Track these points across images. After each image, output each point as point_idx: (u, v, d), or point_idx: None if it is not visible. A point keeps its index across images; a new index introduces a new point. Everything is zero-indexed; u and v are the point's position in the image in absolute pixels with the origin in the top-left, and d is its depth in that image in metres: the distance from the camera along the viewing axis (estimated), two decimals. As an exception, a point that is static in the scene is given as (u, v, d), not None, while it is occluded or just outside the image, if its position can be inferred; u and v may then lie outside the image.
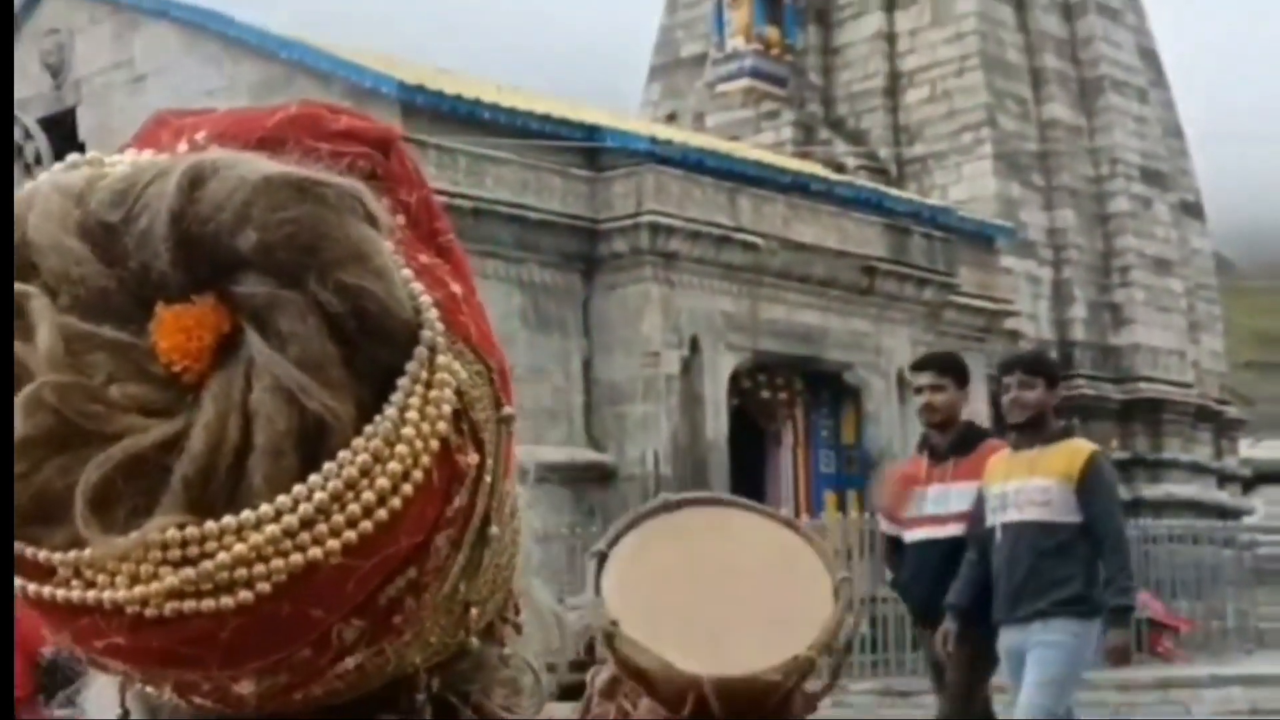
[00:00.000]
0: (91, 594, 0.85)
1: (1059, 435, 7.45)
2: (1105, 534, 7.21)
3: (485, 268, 18.92)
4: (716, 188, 20.70)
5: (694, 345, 20.04)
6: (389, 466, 0.86)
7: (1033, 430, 7.28)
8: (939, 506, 7.64)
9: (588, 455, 19.50)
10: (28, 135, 20.28)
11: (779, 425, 22.19)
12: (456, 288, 0.95)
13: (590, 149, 20.35)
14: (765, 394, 21.92)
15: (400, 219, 0.95)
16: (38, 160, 20.06)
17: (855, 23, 31.33)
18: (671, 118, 30.18)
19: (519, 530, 1.00)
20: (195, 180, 0.86)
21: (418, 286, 0.90)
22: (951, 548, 7.54)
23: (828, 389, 22.36)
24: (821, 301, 21.86)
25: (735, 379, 20.75)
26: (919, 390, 7.77)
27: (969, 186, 29.21)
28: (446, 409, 0.88)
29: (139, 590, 0.84)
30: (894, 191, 25.33)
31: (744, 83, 30.38)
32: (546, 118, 20.06)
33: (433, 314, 0.90)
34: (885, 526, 8.14)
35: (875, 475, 22.18)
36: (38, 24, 21.90)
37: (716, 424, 20.12)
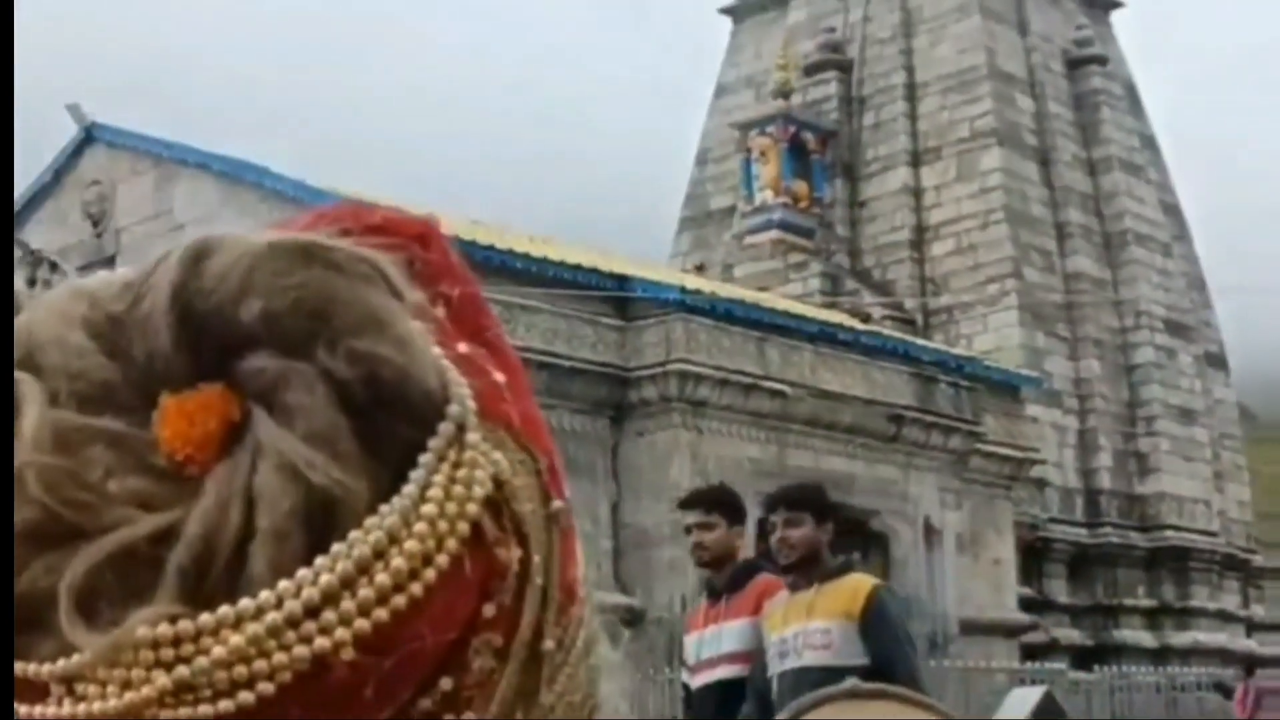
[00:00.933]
0: (82, 708, 0.76)
1: (837, 572, 6.77)
2: (895, 675, 6.50)
3: (516, 414, 19.20)
4: (745, 336, 20.98)
5: (722, 491, 20.25)
6: (407, 546, 0.77)
7: (806, 570, 6.69)
8: (714, 648, 7.17)
9: (615, 599, 19.65)
10: (68, 282, 20.71)
11: (806, 571, 22.33)
12: (500, 376, 0.86)
13: (620, 298, 20.66)
14: (793, 540, 22.07)
15: (441, 311, 0.88)
16: (78, 307, 20.44)
17: (882, 177, 31.83)
18: (700, 268, 30.59)
19: (597, 670, 0.87)
20: (199, 255, 0.80)
21: (448, 365, 0.83)
22: (724, 691, 7.10)
23: (854, 535, 22.49)
24: (848, 449, 22.06)
25: (762, 524, 20.91)
26: (688, 530, 7.07)
27: (995, 337, 29.53)
28: (478, 491, 0.79)
29: (129, 697, 0.75)
30: (920, 341, 25.62)
31: (772, 235, 30.81)
32: (578, 267, 20.39)
33: (465, 392, 0.82)
34: (684, 676, 7.47)
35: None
36: (80, 174, 22.39)
37: (744, 569, 20.25)
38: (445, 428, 0.79)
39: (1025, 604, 26.21)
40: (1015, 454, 25.85)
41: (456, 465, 0.79)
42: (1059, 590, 28.30)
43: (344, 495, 0.76)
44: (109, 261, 21.80)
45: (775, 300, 24.30)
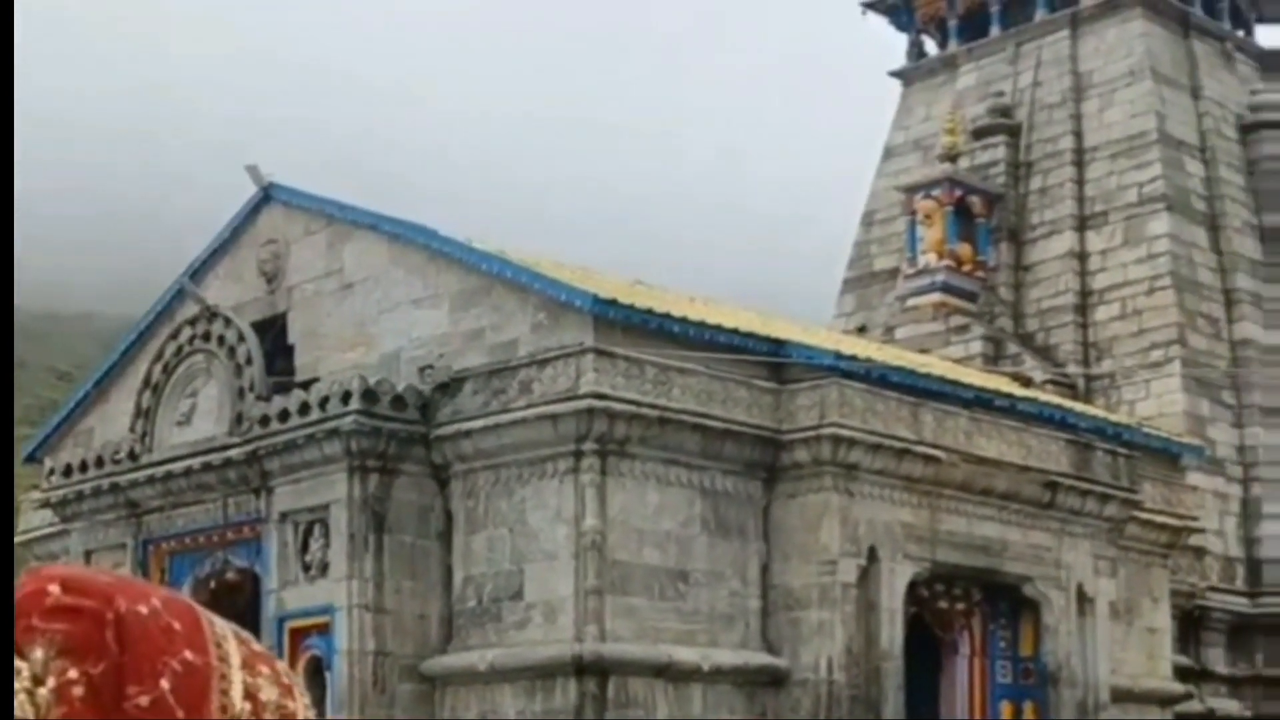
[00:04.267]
0: None
1: None
2: None
3: (669, 474, 19.57)
4: (899, 401, 21.15)
5: (872, 554, 20.44)
6: None
7: None
8: None
9: (762, 659, 19.94)
10: (240, 338, 21.36)
11: (956, 635, 22.48)
12: None
13: (776, 362, 20.93)
14: (943, 604, 22.24)
15: (79, 690, 1.08)
16: (248, 361, 21.10)
17: (1047, 241, 31.88)
18: (862, 329, 30.84)
19: None
20: None
21: None
22: None
23: (1006, 600, 22.61)
24: (1002, 515, 22.16)
25: (913, 588, 21.11)
26: None
27: (1157, 403, 29.45)
28: None
29: None
30: (1078, 407, 25.65)
31: (935, 297, 30.97)
32: (734, 331, 20.67)
33: None
34: None
35: (1053, 688, 22.36)
36: (257, 233, 23.08)
37: (892, 632, 20.46)
38: None
39: (1182, 673, 26.11)
40: (1174, 522, 25.77)
41: None
42: (1217, 660, 28.14)
43: None
44: (281, 318, 22.53)
45: (931, 365, 24.46)
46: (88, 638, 1.11)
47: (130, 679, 1.10)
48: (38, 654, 1.09)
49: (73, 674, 1.09)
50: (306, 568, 20.04)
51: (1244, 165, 33.07)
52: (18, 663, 1.09)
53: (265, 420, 20.32)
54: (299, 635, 20.01)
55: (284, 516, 20.25)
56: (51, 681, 1.09)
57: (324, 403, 19.74)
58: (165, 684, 1.09)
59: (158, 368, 22.15)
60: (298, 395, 20.15)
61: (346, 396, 19.57)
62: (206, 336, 21.77)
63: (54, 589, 1.14)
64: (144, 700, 1.08)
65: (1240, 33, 35.61)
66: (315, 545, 19.93)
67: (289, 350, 22.27)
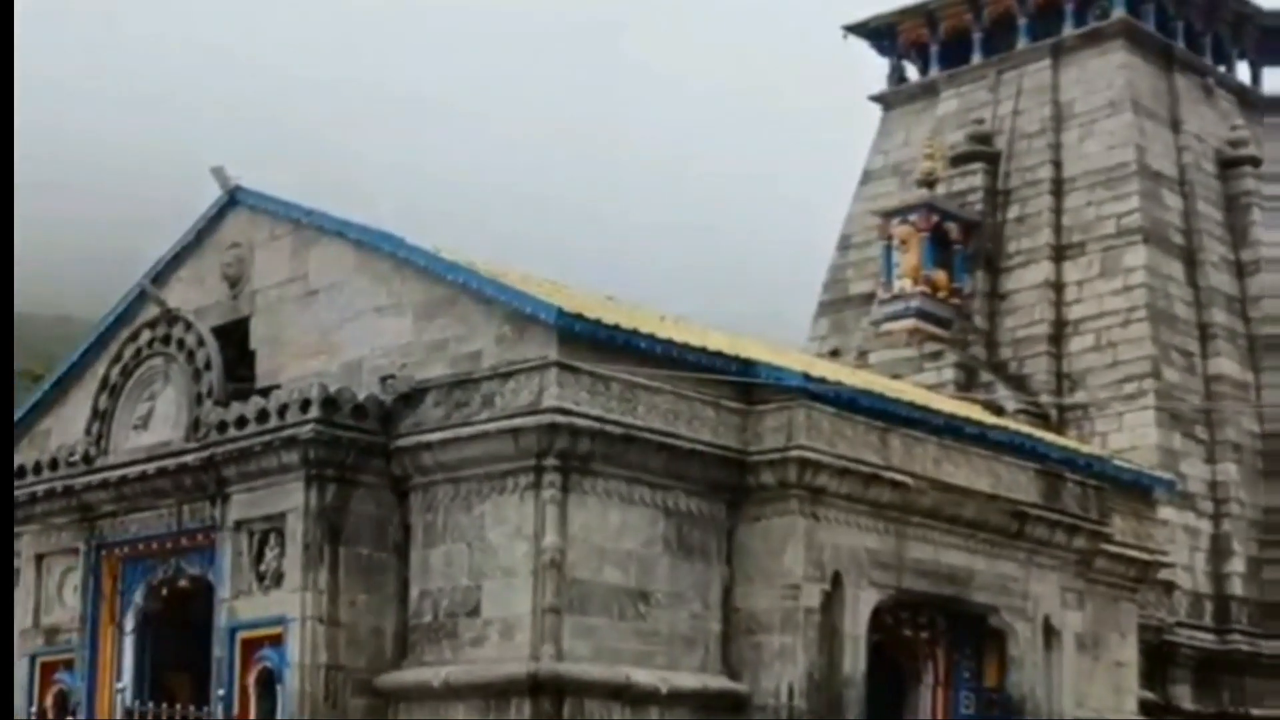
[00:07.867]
0: None
1: None
2: None
3: (632, 493, 19.22)
4: (868, 426, 20.84)
5: (836, 580, 20.12)
6: None
7: None
8: None
9: (722, 683, 19.58)
10: (200, 342, 20.99)
11: (920, 664, 22.16)
12: None
13: (744, 382, 20.62)
14: (907, 632, 21.93)
15: None
16: (207, 366, 20.74)
17: (1023, 270, 31.70)
18: (835, 353, 30.59)
19: None
20: None
21: None
22: None
23: (971, 631, 22.30)
24: (969, 543, 21.87)
25: (877, 615, 20.78)
26: None
27: (1130, 436, 29.25)
28: None
29: None
30: (1049, 437, 25.35)
31: (909, 323, 30.77)
32: (702, 350, 20.36)
33: None
34: None
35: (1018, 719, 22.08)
36: (221, 237, 22.72)
37: (855, 659, 20.13)
38: None
39: (1147, 708, 25.83)
40: (1143, 556, 25.49)
41: None
42: (1184, 696, 27.90)
43: None
44: (243, 322, 22.17)
45: (901, 390, 24.16)
46: None
47: None
48: None
49: None
50: (260, 577, 19.66)
51: (1222, 200, 32.93)
52: None
53: (223, 426, 19.96)
54: (251, 646, 19.63)
55: (239, 525, 19.88)
56: None
57: (283, 410, 19.39)
58: None
59: (116, 370, 21.79)
60: (256, 402, 19.78)
61: (306, 404, 19.22)
62: (166, 340, 21.41)
63: None
64: None
65: (1221, 68, 35.51)
66: (270, 555, 19.56)
67: (250, 356, 21.91)
